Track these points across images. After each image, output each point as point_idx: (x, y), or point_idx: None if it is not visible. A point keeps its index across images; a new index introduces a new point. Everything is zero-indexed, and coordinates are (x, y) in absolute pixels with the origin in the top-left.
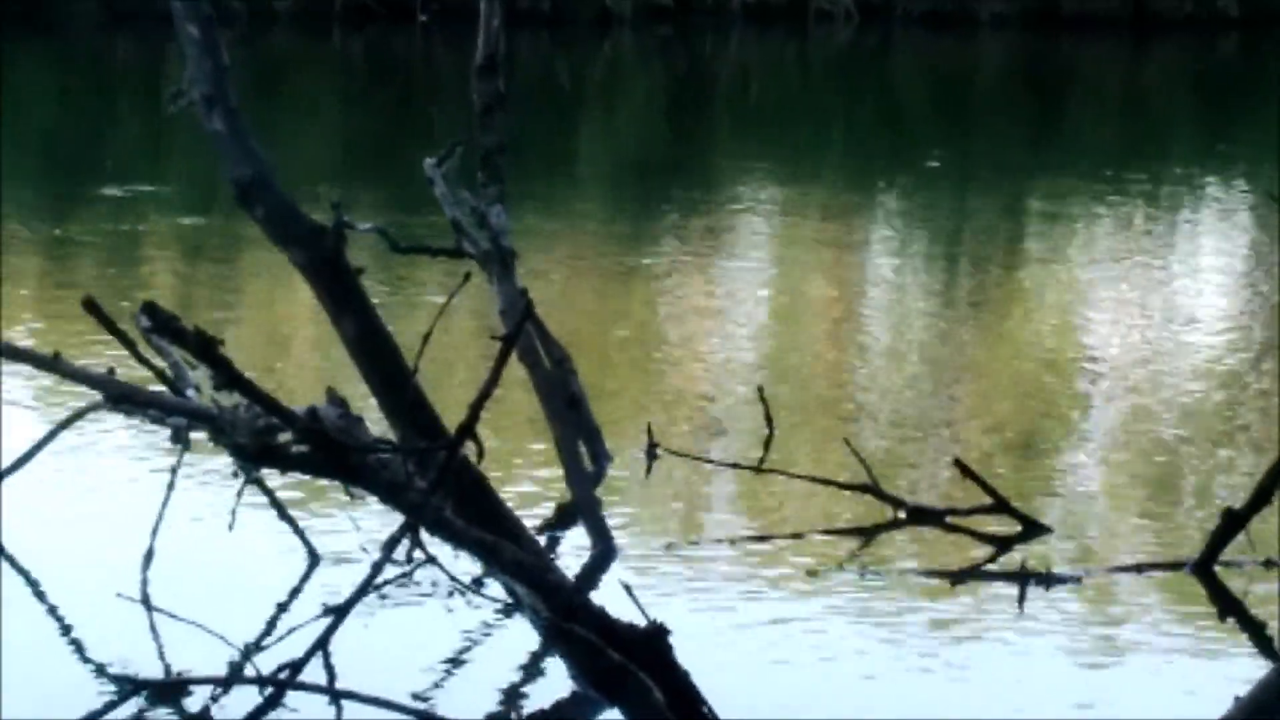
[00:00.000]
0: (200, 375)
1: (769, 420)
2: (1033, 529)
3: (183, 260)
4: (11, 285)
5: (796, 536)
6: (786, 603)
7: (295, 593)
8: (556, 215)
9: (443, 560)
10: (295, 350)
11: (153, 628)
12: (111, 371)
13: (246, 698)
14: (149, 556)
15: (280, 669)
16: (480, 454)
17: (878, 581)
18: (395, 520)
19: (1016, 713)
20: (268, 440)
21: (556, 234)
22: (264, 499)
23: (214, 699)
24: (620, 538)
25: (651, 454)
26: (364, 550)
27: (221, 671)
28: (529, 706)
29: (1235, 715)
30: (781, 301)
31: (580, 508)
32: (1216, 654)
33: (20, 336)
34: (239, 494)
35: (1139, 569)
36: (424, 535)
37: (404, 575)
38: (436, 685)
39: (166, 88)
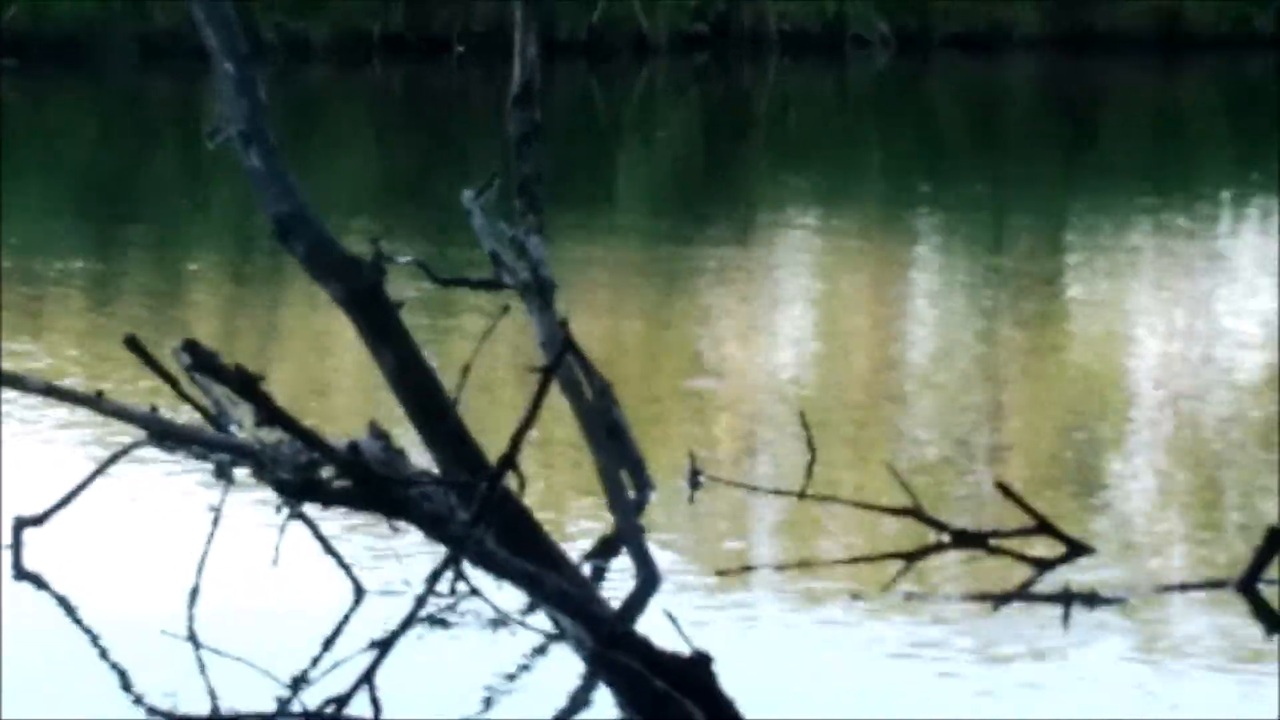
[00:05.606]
0: (243, 411)
1: (811, 445)
2: (1076, 550)
3: (224, 297)
4: (54, 324)
5: (840, 562)
6: (830, 628)
7: (341, 626)
8: (596, 244)
9: (486, 591)
10: (338, 386)
11: (199, 664)
12: (154, 409)
13: None
14: (194, 593)
15: (326, 703)
16: (522, 485)
17: (922, 605)
18: (439, 553)
19: None
20: (310, 475)
21: (596, 263)
22: (308, 533)
23: None
24: (664, 565)
25: (694, 481)
26: (407, 584)
27: (268, 707)
28: None
29: None
30: (824, 325)
31: (623, 536)
32: (1262, 671)
33: (63, 376)
34: (282, 529)
35: (1183, 588)
36: (467, 567)
37: (448, 608)
38: (481, 717)
39: (204, 124)
